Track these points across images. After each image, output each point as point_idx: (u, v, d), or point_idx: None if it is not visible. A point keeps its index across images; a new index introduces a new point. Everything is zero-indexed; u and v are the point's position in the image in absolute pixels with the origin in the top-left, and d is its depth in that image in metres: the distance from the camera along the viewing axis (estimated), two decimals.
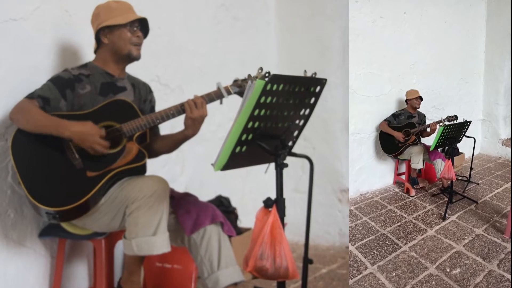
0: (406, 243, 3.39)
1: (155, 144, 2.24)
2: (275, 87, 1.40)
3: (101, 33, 2.08)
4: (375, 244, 3.41)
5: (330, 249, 3.85)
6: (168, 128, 2.47)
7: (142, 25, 2.13)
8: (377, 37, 4.87)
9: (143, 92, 2.30)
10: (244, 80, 2.12)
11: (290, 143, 1.67)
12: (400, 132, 4.75)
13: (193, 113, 2.00)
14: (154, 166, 2.41)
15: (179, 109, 2.03)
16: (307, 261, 1.53)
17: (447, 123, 4.47)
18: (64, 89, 1.98)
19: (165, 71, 3.07)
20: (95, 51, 2.16)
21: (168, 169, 2.97)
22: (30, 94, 1.94)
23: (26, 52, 2.18)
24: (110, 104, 2.05)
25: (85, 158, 1.92)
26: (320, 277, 3.16)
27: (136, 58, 2.13)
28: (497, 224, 3.72)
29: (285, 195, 1.53)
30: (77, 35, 2.16)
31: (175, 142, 2.19)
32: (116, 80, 2.15)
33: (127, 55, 2.09)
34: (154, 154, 2.28)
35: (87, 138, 1.85)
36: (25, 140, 1.90)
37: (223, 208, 2.98)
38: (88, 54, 2.26)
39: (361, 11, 4.57)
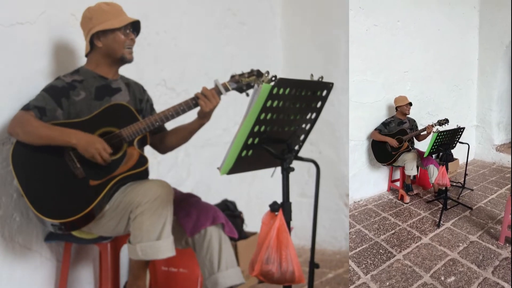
0: (400, 251, 3.36)
1: (167, 140, 2.25)
2: (281, 91, 1.40)
3: (94, 37, 2.05)
4: (369, 253, 3.38)
5: (336, 254, 3.85)
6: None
7: (134, 27, 2.13)
8: (371, 44, 4.90)
9: (137, 91, 2.29)
10: (242, 75, 2.10)
11: (296, 147, 1.67)
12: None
13: (207, 106, 2.01)
14: (160, 170, 2.41)
15: (178, 110, 2.02)
16: (313, 265, 1.53)
17: (438, 126, 4.52)
18: (59, 98, 1.96)
19: (171, 75, 3.08)
20: (87, 55, 2.13)
21: (174, 173, 2.96)
22: (25, 105, 1.91)
23: (32, 55, 2.19)
24: (108, 109, 2.02)
25: (87, 166, 1.90)
26: (326, 281, 3.16)
27: (129, 61, 2.12)
28: (492, 230, 3.72)
29: (291, 200, 1.53)
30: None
31: (190, 132, 2.20)
32: (110, 82, 2.13)
33: (120, 58, 2.09)
34: (169, 148, 2.30)
35: (92, 144, 1.84)
36: (24, 152, 1.88)
37: (229, 212, 2.97)
38: None
39: (355, 19, 4.59)
